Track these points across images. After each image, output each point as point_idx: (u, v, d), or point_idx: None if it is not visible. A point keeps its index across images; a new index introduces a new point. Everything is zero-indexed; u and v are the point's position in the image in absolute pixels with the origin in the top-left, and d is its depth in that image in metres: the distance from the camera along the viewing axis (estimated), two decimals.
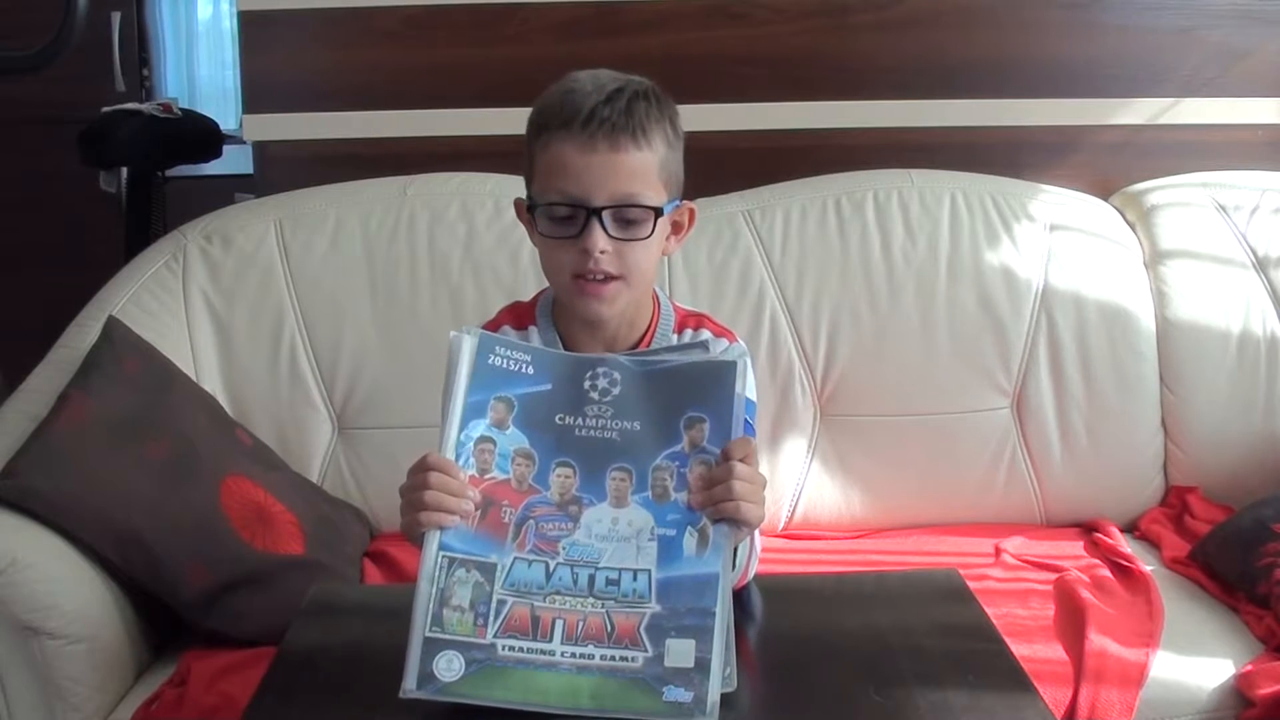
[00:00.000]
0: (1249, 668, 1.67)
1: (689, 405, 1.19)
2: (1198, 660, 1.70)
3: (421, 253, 2.15)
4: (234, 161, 3.27)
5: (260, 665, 1.29)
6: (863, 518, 2.14)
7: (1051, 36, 2.36)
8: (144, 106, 3.18)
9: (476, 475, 1.18)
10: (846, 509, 2.14)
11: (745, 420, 1.21)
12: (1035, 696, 1.17)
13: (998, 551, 2.01)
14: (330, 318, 2.12)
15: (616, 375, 1.21)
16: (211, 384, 2.06)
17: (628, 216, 1.35)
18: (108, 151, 3.09)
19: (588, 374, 1.21)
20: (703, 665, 1.09)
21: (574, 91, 1.34)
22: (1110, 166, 2.38)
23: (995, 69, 2.37)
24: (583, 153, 1.32)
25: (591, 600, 1.13)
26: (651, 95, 1.37)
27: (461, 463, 1.18)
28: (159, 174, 3.18)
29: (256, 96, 2.39)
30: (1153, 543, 2.07)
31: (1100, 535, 2.06)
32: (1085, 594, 1.82)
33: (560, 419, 1.19)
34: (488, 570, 1.15)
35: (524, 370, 1.21)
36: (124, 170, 3.24)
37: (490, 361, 1.21)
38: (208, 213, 2.24)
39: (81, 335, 1.99)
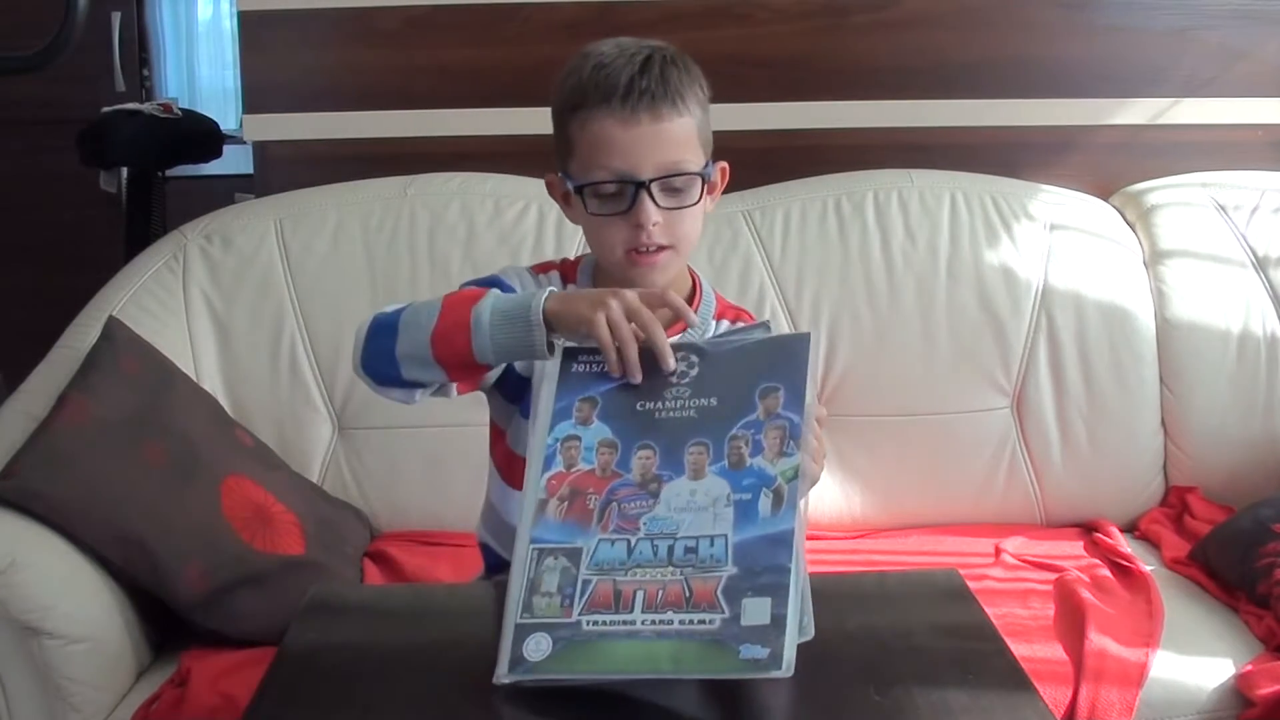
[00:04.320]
0: (1249, 668, 1.67)
1: (764, 378, 1.20)
2: (1198, 660, 1.70)
3: (421, 253, 2.15)
4: (234, 161, 3.28)
5: (260, 665, 1.29)
6: (863, 518, 2.14)
7: (1051, 36, 2.36)
8: (144, 106, 3.18)
9: (564, 471, 1.20)
10: (846, 509, 2.14)
11: None
12: (1035, 696, 1.17)
13: (998, 551, 2.01)
14: (330, 318, 2.12)
15: (694, 357, 1.22)
16: (211, 384, 2.07)
17: (675, 185, 1.36)
18: (108, 151, 3.09)
19: None
20: (779, 622, 1.10)
21: (605, 65, 1.34)
22: (1110, 166, 2.38)
23: (994, 69, 2.37)
24: (625, 126, 1.33)
25: (671, 569, 1.15)
26: (679, 59, 1.38)
27: (550, 463, 1.20)
28: (159, 174, 3.18)
29: (256, 96, 2.39)
30: (1153, 543, 2.07)
31: (1100, 535, 2.06)
32: (1085, 594, 1.82)
33: (641, 405, 1.21)
34: (574, 555, 1.17)
35: (606, 371, 1.23)
36: (124, 170, 3.24)
37: (574, 370, 1.24)
38: (208, 213, 2.24)
39: (81, 335, 1.99)
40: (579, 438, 1.21)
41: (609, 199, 1.36)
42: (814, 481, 1.21)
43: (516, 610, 1.15)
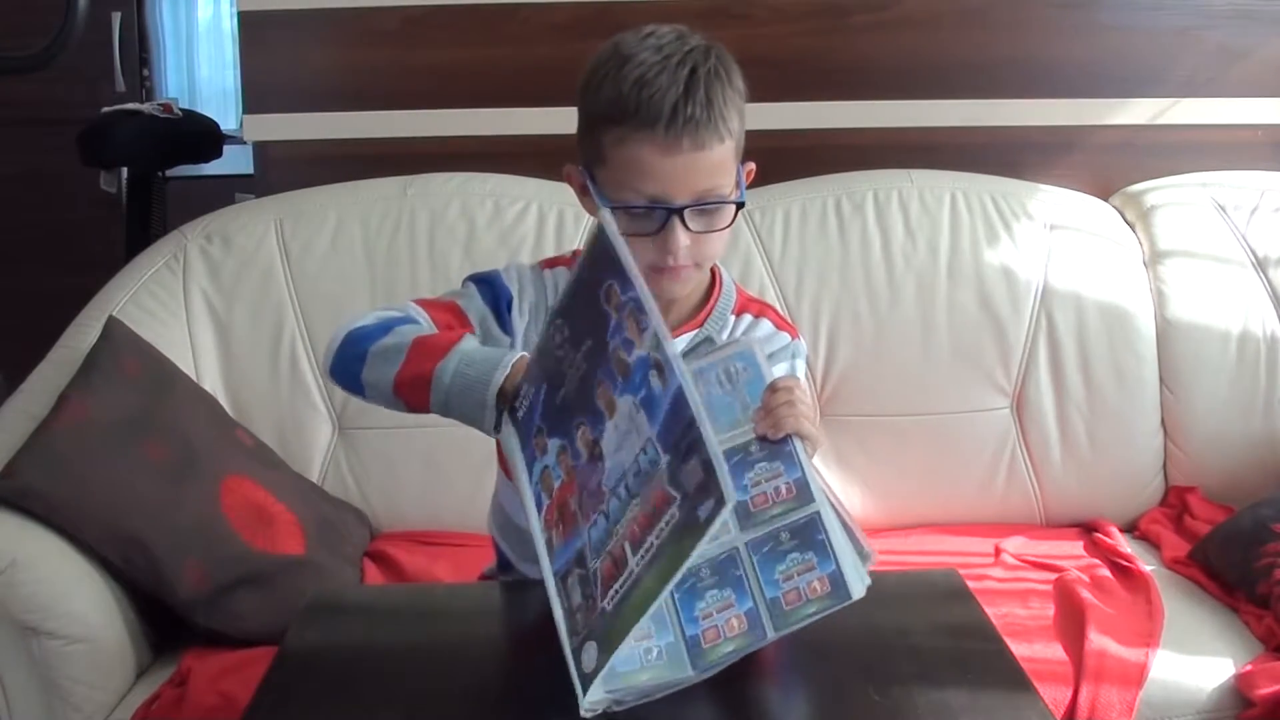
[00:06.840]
0: (1249, 668, 1.67)
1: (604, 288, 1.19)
2: (1198, 660, 1.70)
3: (421, 253, 2.15)
4: (234, 161, 3.27)
5: (260, 665, 1.29)
6: (862, 518, 2.14)
7: (1051, 36, 2.36)
8: (144, 106, 3.18)
9: (549, 500, 1.19)
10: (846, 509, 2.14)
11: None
12: (1035, 696, 1.17)
13: (998, 551, 2.01)
14: (330, 318, 2.11)
15: (559, 320, 1.20)
16: (211, 384, 2.07)
17: (709, 210, 1.32)
18: (108, 151, 3.08)
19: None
20: (708, 467, 1.08)
21: (648, 83, 1.28)
22: (1110, 166, 2.38)
23: (995, 69, 2.37)
24: (666, 154, 1.28)
25: (634, 500, 1.12)
26: (720, 68, 1.31)
27: (540, 504, 1.19)
28: (159, 174, 3.18)
29: (256, 96, 2.40)
30: (1153, 543, 2.07)
31: (1100, 535, 2.06)
32: (1085, 594, 1.82)
33: (560, 397, 1.19)
34: (582, 559, 1.15)
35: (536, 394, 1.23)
36: (124, 170, 3.24)
37: (521, 418, 1.22)
38: (208, 213, 2.24)
39: (81, 335, 1.99)
40: (546, 465, 1.20)
41: (638, 218, 1.32)
42: (815, 444, 1.20)
43: (566, 639, 1.13)
